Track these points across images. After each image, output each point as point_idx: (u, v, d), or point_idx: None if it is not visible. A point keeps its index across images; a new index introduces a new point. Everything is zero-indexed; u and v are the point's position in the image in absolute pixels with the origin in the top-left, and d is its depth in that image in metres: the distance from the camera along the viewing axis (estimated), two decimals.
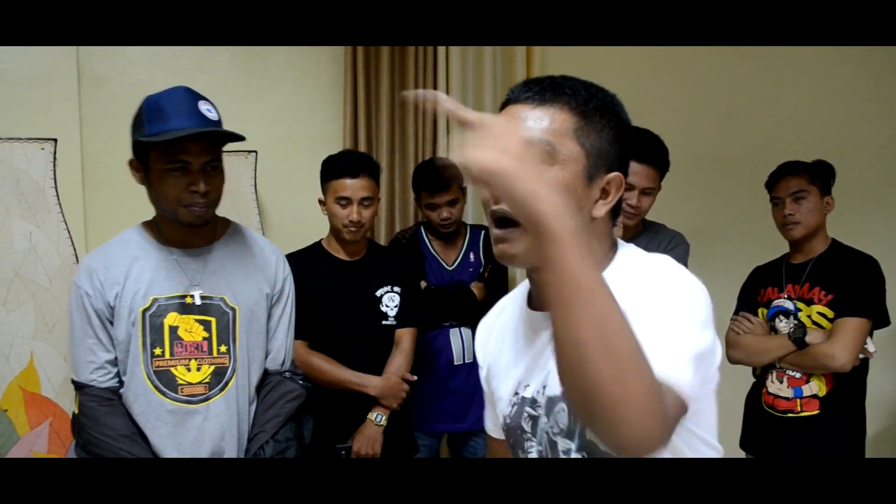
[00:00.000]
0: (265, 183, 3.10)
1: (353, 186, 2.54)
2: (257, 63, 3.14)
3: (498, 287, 2.80)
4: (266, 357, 2.06)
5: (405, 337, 2.68)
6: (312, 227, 2.73)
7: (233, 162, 3.03)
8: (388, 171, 3.22)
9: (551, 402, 1.15)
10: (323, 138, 3.14)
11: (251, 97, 3.14)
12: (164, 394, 1.93)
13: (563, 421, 1.13)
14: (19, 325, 2.82)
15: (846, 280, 2.49)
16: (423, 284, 2.83)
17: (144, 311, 1.93)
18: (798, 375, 2.53)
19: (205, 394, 1.94)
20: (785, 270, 2.64)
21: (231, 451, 1.98)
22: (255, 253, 2.06)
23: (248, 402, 2.01)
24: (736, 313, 2.71)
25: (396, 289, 2.68)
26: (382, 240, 3.19)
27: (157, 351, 1.93)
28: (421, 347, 2.79)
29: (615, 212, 1.17)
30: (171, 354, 1.93)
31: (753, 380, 2.72)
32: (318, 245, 2.71)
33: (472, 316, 2.65)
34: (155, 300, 1.94)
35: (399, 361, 2.63)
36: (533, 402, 1.19)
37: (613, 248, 1.19)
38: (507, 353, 1.28)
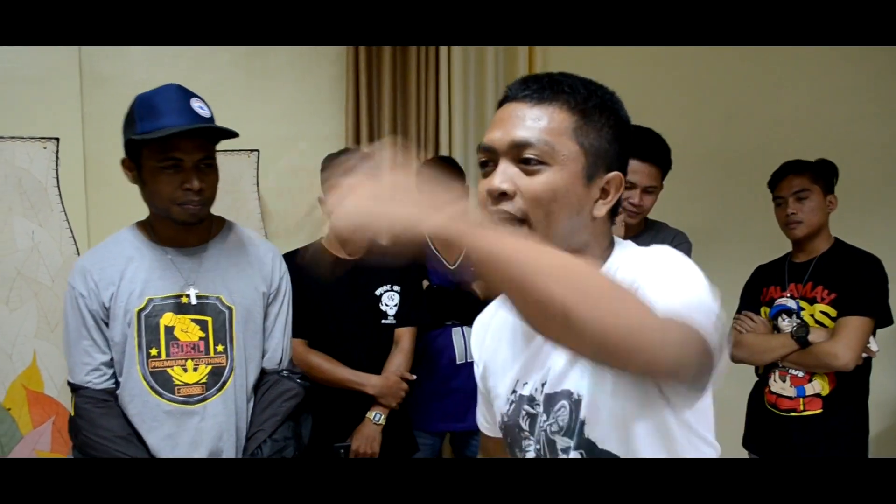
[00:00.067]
0: (267, 182, 3.08)
1: None
2: (259, 63, 3.10)
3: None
4: (263, 356, 2.02)
5: (405, 336, 2.64)
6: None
7: (235, 161, 3.03)
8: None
9: (550, 399, 1.14)
10: (325, 137, 3.10)
11: (253, 97, 3.11)
12: (160, 395, 1.89)
13: (563, 419, 1.11)
14: (22, 323, 2.80)
15: (849, 279, 2.46)
16: (426, 284, 2.79)
17: (140, 311, 1.89)
18: (801, 374, 2.50)
19: (202, 394, 1.91)
20: (788, 269, 2.61)
21: (229, 451, 1.94)
22: (251, 251, 2.02)
23: (246, 401, 1.98)
24: (738, 312, 2.67)
25: (396, 288, 2.65)
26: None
27: (153, 351, 1.89)
28: (423, 347, 2.75)
29: (614, 211, 1.16)
30: (168, 355, 1.90)
31: (756, 379, 2.68)
32: (318, 244, 2.66)
33: (474, 315, 2.62)
34: (150, 300, 1.90)
35: (398, 361, 2.60)
36: (531, 400, 1.18)
37: (611, 246, 1.17)
38: (504, 351, 1.26)
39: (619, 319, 0.85)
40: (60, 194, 2.83)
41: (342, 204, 0.89)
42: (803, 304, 2.53)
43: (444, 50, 3.20)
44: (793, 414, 2.51)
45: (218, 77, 3.04)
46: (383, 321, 2.63)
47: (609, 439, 1.08)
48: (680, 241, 2.56)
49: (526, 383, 1.19)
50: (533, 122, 1.08)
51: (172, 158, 1.83)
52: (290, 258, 2.60)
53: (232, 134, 1.88)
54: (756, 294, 2.67)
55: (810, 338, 2.44)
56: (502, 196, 1.07)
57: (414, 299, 2.67)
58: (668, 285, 0.96)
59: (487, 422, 1.39)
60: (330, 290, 2.57)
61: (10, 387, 2.80)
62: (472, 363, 1.40)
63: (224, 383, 1.93)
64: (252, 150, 3.04)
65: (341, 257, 2.62)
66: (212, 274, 1.95)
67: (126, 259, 1.92)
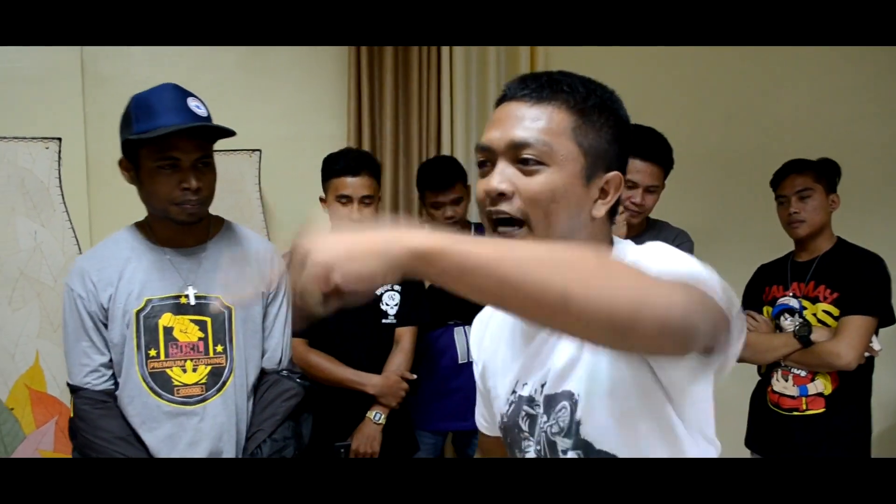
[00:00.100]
0: (269, 182, 3.06)
1: (353, 184, 2.49)
2: (261, 62, 3.08)
3: None
4: (263, 356, 2.00)
5: (405, 336, 2.63)
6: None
7: (237, 160, 3.02)
8: (392, 170, 3.16)
9: (550, 400, 1.13)
10: (327, 137, 3.07)
11: (255, 96, 3.09)
12: (159, 395, 1.88)
13: (563, 420, 1.10)
14: (24, 323, 2.78)
15: (852, 278, 2.44)
16: (428, 283, 2.84)
17: (138, 312, 1.87)
18: (803, 374, 2.48)
19: (201, 395, 1.89)
20: (790, 268, 2.59)
21: (229, 451, 1.92)
22: (250, 251, 2.00)
23: (246, 401, 1.96)
24: (741, 311, 2.71)
25: (396, 287, 2.63)
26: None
27: (152, 352, 1.88)
28: (425, 346, 2.74)
29: (613, 211, 1.15)
30: (167, 356, 1.88)
31: (758, 378, 2.66)
32: None
33: (476, 314, 2.65)
34: (149, 301, 1.88)
35: (399, 360, 2.59)
36: (531, 401, 1.17)
37: (610, 246, 1.16)
38: (503, 351, 1.25)
39: (622, 291, 0.83)
40: (63, 194, 2.82)
41: (315, 252, 0.84)
42: (806, 303, 2.51)
43: (445, 50, 3.18)
44: (795, 413, 2.50)
45: (220, 77, 3.03)
46: (384, 321, 2.62)
47: (607, 439, 1.07)
48: (682, 241, 2.55)
49: (525, 384, 1.18)
50: (531, 122, 1.07)
51: (170, 158, 1.81)
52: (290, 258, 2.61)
53: (229, 132, 1.85)
54: (758, 293, 2.65)
55: (813, 337, 2.43)
56: (500, 196, 1.06)
57: (414, 299, 2.65)
58: (668, 263, 0.95)
59: (486, 421, 1.39)
60: None
61: (13, 387, 2.78)
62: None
63: (224, 384, 1.92)
64: (254, 150, 3.03)
65: None
66: (211, 274, 1.93)
67: (124, 260, 1.90)
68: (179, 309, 1.90)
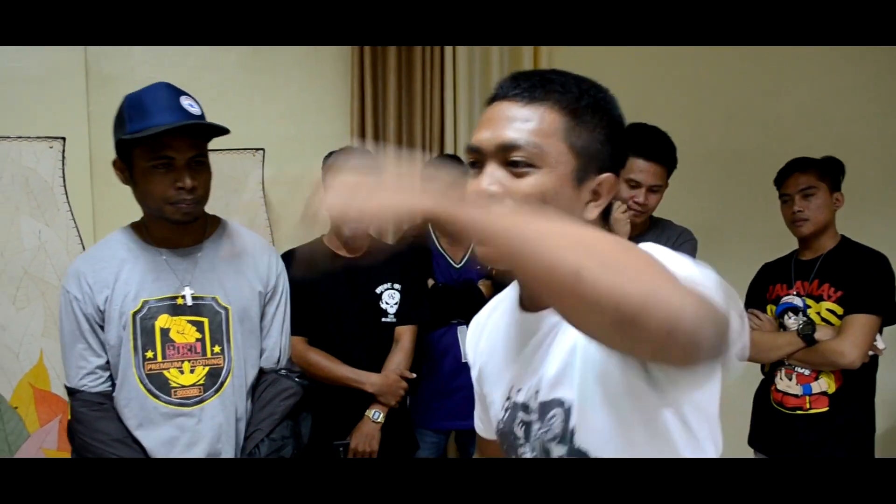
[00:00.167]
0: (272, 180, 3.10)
1: None
2: (264, 62, 3.06)
3: (505, 285, 2.78)
4: (261, 355, 1.97)
5: (405, 334, 2.60)
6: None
7: (240, 160, 3.03)
8: None
9: (544, 407, 1.09)
10: (330, 137, 3.04)
11: (258, 96, 3.06)
12: (157, 397, 1.84)
13: (556, 427, 1.07)
14: (29, 322, 2.76)
15: (856, 277, 2.40)
16: (431, 282, 2.74)
17: (135, 313, 1.83)
18: (807, 372, 2.45)
19: (199, 396, 1.86)
20: (794, 267, 2.56)
21: (228, 451, 1.88)
22: (247, 250, 1.96)
23: (245, 401, 1.92)
24: (744, 310, 2.71)
25: (397, 286, 2.61)
26: (390, 238, 3.21)
27: (149, 354, 1.84)
28: (428, 345, 2.71)
29: (607, 213, 1.11)
30: (164, 357, 1.84)
31: (762, 377, 2.63)
32: (319, 241, 2.64)
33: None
34: (145, 303, 1.84)
35: (398, 359, 2.57)
36: (525, 407, 1.13)
37: None
38: (498, 356, 1.22)
39: (636, 280, 0.79)
40: (67, 193, 2.79)
41: (334, 196, 0.86)
42: (810, 301, 2.47)
43: (449, 50, 3.15)
44: (799, 412, 2.47)
45: (223, 76, 3.02)
46: (383, 319, 2.60)
47: (603, 448, 1.03)
48: (685, 239, 2.53)
49: (520, 390, 1.15)
50: (522, 123, 1.04)
51: (164, 157, 1.77)
52: (290, 256, 2.60)
53: (223, 130, 1.81)
54: (762, 292, 2.61)
55: (816, 336, 2.40)
56: (490, 199, 1.02)
57: (414, 298, 2.63)
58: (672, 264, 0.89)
59: (483, 423, 1.35)
60: (330, 287, 2.54)
61: (17, 385, 2.76)
62: None
63: (222, 384, 1.88)
64: (257, 149, 3.03)
65: (342, 255, 2.60)
66: (207, 274, 1.89)
67: (120, 261, 1.86)
68: (176, 310, 1.86)
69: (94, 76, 2.88)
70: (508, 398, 1.18)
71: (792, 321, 2.51)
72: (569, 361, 1.06)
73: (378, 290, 2.61)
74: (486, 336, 1.28)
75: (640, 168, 2.36)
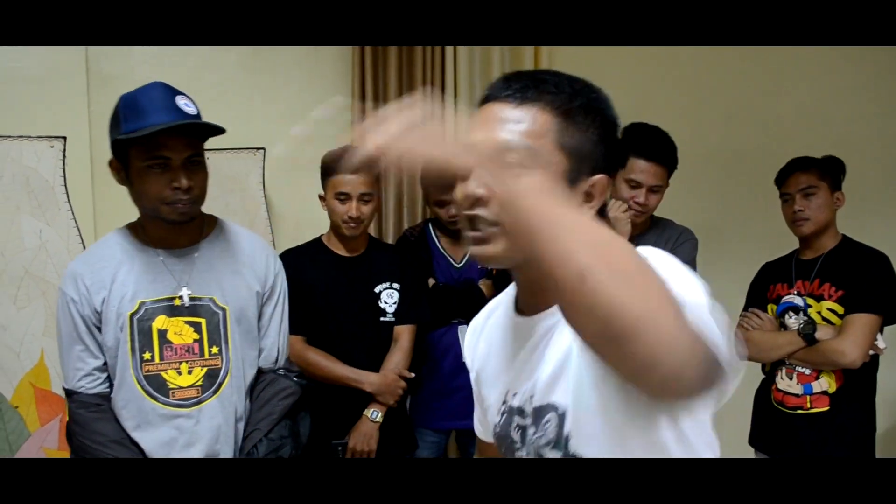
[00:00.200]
0: (273, 180, 3.03)
1: (352, 182, 2.45)
2: (265, 62, 3.03)
3: (506, 284, 2.76)
4: (259, 355, 1.95)
5: (404, 334, 2.58)
6: (320, 224, 2.63)
7: (241, 158, 3.02)
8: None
9: (539, 412, 1.09)
10: (331, 136, 3.15)
11: (259, 95, 3.03)
12: (155, 399, 1.82)
13: (551, 432, 1.06)
14: (29, 322, 2.73)
15: (856, 276, 2.39)
16: (432, 282, 2.72)
17: (132, 315, 1.81)
18: (808, 372, 2.44)
19: (197, 397, 1.84)
20: (795, 266, 2.55)
21: (227, 452, 1.86)
22: (244, 250, 1.93)
23: (244, 402, 1.90)
24: (745, 309, 2.61)
25: (395, 285, 2.58)
26: (391, 237, 3.09)
27: (147, 355, 1.81)
28: (429, 344, 2.69)
29: (601, 214, 1.09)
30: (161, 358, 1.82)
31: (763, 376, 2.61)
32: (317, 241, 2.61)
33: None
34: (142, 304, 1.82)
35: (397, 358, 2.54)
36: (521, 412, 1.13)
37: None
38: (494, 360, 1.21)
39: (637, 299, 0.76)
40: (67, 193, 2.76)
41: (385, 130, 0.87)
42: (810, 301, 2.46)
43: (449, 50, 3.12)
44: (799, 411, 2.46)
45: (224, 76, 3.02)
46: (382, 319, 2.57)
47: (597, 454, 1.02)
48: (686, 239, 2.53)
49: (516, 394, 1.14)
50: (514, 124, 1.02)
51: (159, 157, 1.74)
52: (290, 255, 2.53)
53: (219, 130, 1.79)
54: (763, 291, 2.60)
55: (817, 335, 2.39)
56: (478, 201, 1.01)
57: (413, 297, 2.61)
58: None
59: (482, 426, 1.33)
60: (329, 287, 2.52)
61: (17, 385, 2.72)
62: None
63: (220, 385, 1.86)
64: (258, 149, 3.04)
65: (341, 254, 2.59)
66: (205, 275, 1.87)
67: (117, 262, 1.84)
68: (173, 311, 1.84)
69: (95, 76, 2.87)
70: (504, 402, 1.17)
71: (793, 320, 2.50)
72: (563, 366, 1.04)
73: (377, 290, 2.59)
74: (483, 339, 1.26)
75: (640, 168, 2.36)
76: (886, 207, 3.32)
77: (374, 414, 2.51)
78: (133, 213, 1.96)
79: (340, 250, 2.58)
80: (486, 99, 1.08)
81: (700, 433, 1.01)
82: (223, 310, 1.88)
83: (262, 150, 3.01)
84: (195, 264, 1.88)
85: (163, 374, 1.84)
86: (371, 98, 3.09)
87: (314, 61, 3.12)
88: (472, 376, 1.30)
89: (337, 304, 2.54)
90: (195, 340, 1.86)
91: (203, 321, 1.86)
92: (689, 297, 0.84)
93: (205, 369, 1.86)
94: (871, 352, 2.41)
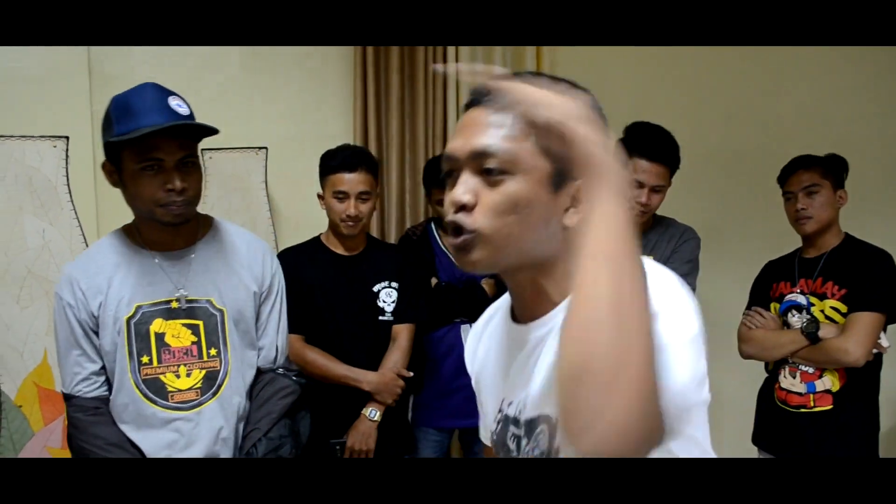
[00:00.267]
0: (275, 179, 3.01)
1: (350, 181, 2.44)
2: (267, 61, 3.01)
3: None
4: (258, 355, 1.92)
5: (402, 333, 2.56)
6: (322, 223, 2.61)
7: (243, 158, 3.02)
8: (399, 168, 3.09)
9: (531, 423, 1.07)
10: (333, 136, 3.02)
11: (261, 95, 3.01)
12: (154, 402, 1.79)
13: (543, 444, 1.05)
14: (32, 321, 2.71)
15: (860, 274, 2.35)
16: (434, 281, 2.71)
17: (129, 319, 1.78)
18: (811, 370, 2.41)
19: (196, 399, 1.81)
20: (798, 265, 2.51)
21: (226, 454, 1.84)
22: (241, 250, 1.90)
23: (244, 403, 1.87)
24: (748, 308, 2.58)
25: (394, 284, 2.56)
26: (393, 236, 3.08)
27: (145, 359, 1.79)
28: (432, 343, 2.68)
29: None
30: (159, 362, 1.80)
31: (766, 375, 2.58)
32: (316, 240, 2.60)
33: (482, 312, 2.65)
34: (139, 308, 1.79)
35: (395, 357, 2.53)
36: (516, 422, 1.11)
37: None
38: (492, 366, 1.20)
39: (622, 350, 0.80)
40: (70, 192, 2.74)
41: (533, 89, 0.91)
42: (813, 299, 2.43)
43: (451, 49, 3.09)
44: (803, 410, 2.42)
45: (226, 75, 3.02)
46: (381, 317, 2.56)
47: None
48: (689, 237, 2.50)
49: (511, 403, 1.12)
50: (495, 129, 1.00)
51: (152, 159, 1.71)
52: (288, 254, 2.52)
53: (213, 131, 1.75)
54: (766, 290, 2.56)
55: (820, 334, 2.35)
56: (463, 208, 1.00)
57: (412, 296, 2.59)
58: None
59: (485, 430, 1.30)
60: (327, 285, 2.50)
61: (21, 384, 2.69)
62: None
63: (219, 387, 1.84)
64: (260, 148, 3.03)
65: (339, 253, 2.57)
66: (201, 277, 1.83)
67: (113, 266, 1.81)
68: (170, 314, 1.80)
69: (97, 76, 2.85)
70: (500, 410, 1.16)
71: (796, 319, 2.48)
72: (553, 377, 0.99)
73: (375, 289, 2.57)
74: (482, 344, 1.25)
75: (642, 168, 2.35)
76: (887, 207, 3.31)
77: (373, 413, 2.50)
78: None
79: (339, 249, 2.57)
80: (469, 105, 1.06)
81: (691, 450, 1.01)
82: (221, 311, 1.85)
83: (264, 150, 3.00)
84: (191, 266, 1.85)
85: (161, 377, 1.81)
86: (373, 98, 3.10)
87: (316, 61, 3.12)
88: (473, 381, 1.29)
89: (335, 302, 2.52)
90: (193, 343, 1.83)
91: (201, 323, 1.83)
92: (675, 333, 0.88)
93: (203, 371, 1.83)
94: (875, 350, 2.37)
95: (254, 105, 3.00)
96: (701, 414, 1.03)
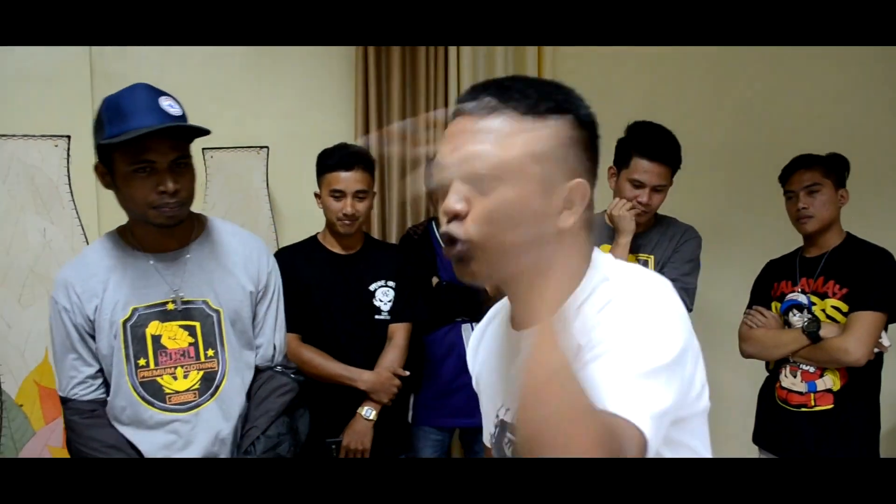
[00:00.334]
0: (277, 178, 2.99)
1: (347, 179, 2.43)
2: (269, 61, 2.99)
3: None
4: (256, 354, 1.89)
5: (398, 332, 2.54)
6: (323, 222, 2.60)
7: (245, 157, 3.02)
8: (400, 168, 3.10)
9: None
10: (334, 135, 3.08)
11: (263, 94, 2.99)
12: (151, 404, 1.77)
13: None
14: (34, 320, 2.67)
15: (861, 274, 2.33)
16: (435, 280, 2.69)
17: (125, 322, 1.76)
18: (812, 370, 2.39)
19: (194, 401, 1.79)
20: (799, 264, 2.49)
21: (225, 454, 1.82)
22: (236, 249, 1.87)
23: (242, 403, 1.85)
24: (749, 307, 2.55)
25: (391, 283, 2.54)
26: (394, 235, 3.06)
27: (142, 362, 1.77)
28: (432, 343, 2.66)
29: (589, 221, 1.05)
30: (156, 364, 1.77)
31: (767, 374, 2.55)
32: (313, 238, 2.58)
33: (483, 311, 2.63)
34: (135, 310, 1.76)
35: (391, 356, 2.50)
36: (511, 427, 1.11)
37: (586, 260, 1.07)
38: (490, 371, 1.19)
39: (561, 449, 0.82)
40: (72, 192, 2.71)
41: None
42: (814, 299, 2.40)
43: (453, 50, 3.08)
44: (804, 409, 2.40)
45: (227, 75, 3.01)
46: (377, 317, 2.54)
47: None
48: (690, 237, 2.49)
49: (508, 409, 1.12)
50: (483, 135, 0.99)
51: (144, 161, 1.67)
52: (285, 253, 2.49)
53: (204, 132, 1.72)
54: (767, 289, 2.54)
55: (821, 333, 2.33)
56: (455, 216, 0.99)
57: (409, 295, 2.57)
58: (624, 374, 0.91)
59: (486, 433, 1.29)
60: (324, 284, 2.48)
61: (22, 383, 2.67)
62: None
63: (217, 388, 1.82)
64: (262, 147, 3.03)
65: (336, 252, 2.55)
66: (196, 277, 1.80)
67: (108, 269, 1.78)
68: (166, 316, 1.77)
69: (99, 75, 2.84)
70: (497, 415, 1.15)
71: (797, 318, 2.46)
72: None
73: (372, 288, 2.55)
74: (482, 347, 1.25)
75: (643, 168, 2.35)
76: (888, 207, 3.31)
77: (368, 412, 2.48)
78: None
79: (335, 248, 2.56)
80: (455, 113, 1.05)
81: (692, 436, 1.01)
82: (217, 312, 1.82)
83: (265, 149, 3.00)
84: (186, 267, 1.82)
85: (158, 379, 1.78)
86: (374, 98, 3.10)
87: (317, 61, 3.11)
88: (473, 381, 1.28)
89: (332, 301, 2.50)
90: (190, 344, 1.81)
91: (197, 324, 1.80)
92: (646, 361, 0.91)
93: (201, 373, 1.81)
94: (876, 349, 2.35)
95: (255, 104, 3.00)
96: (699, 423, 1.03)
